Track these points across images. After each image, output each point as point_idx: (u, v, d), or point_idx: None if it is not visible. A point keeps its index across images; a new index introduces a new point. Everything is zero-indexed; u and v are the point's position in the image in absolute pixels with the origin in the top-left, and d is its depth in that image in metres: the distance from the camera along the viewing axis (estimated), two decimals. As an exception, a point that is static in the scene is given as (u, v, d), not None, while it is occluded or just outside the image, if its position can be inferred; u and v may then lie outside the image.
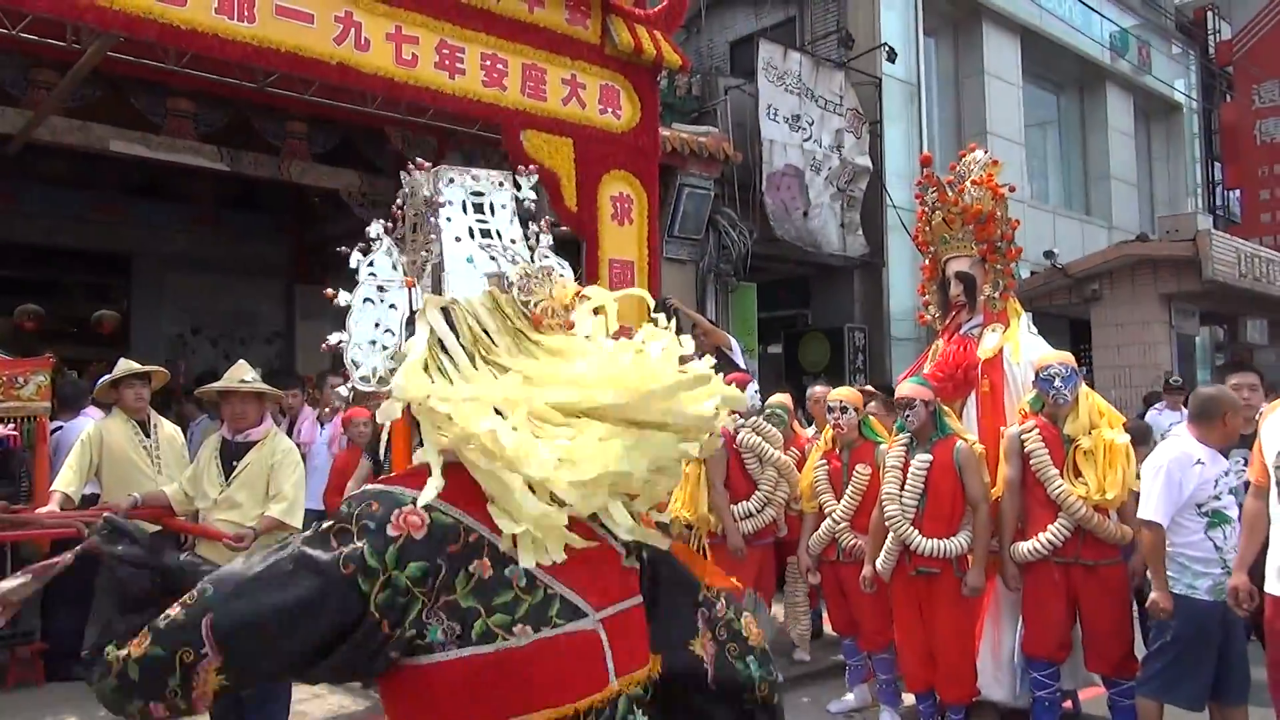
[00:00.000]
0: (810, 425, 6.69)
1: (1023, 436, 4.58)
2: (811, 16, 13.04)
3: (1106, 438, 4.45)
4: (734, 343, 7.53)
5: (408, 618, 1.38)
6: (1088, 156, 17.01)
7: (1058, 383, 4.49)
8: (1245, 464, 4.09)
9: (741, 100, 11.17)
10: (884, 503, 4.66)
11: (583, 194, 7.81)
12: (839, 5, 12.78)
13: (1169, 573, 3.97)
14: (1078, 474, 4.45)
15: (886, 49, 12.34)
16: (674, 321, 1.86)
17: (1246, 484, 3.86)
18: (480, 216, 1.78)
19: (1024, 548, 4.51)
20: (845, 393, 5.28)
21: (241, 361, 4.64)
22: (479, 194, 1.81)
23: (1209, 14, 19.08)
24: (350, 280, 1.92)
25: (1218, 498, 3.93)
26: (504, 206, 1.81)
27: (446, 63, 7.02)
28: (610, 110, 8.09)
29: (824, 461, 5.27)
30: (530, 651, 1.40)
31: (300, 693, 5.09)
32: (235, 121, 7.81)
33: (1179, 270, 12.89)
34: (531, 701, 1.41)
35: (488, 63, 7.27)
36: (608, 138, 8.06)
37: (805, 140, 11.18)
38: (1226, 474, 3.97)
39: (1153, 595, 3.99)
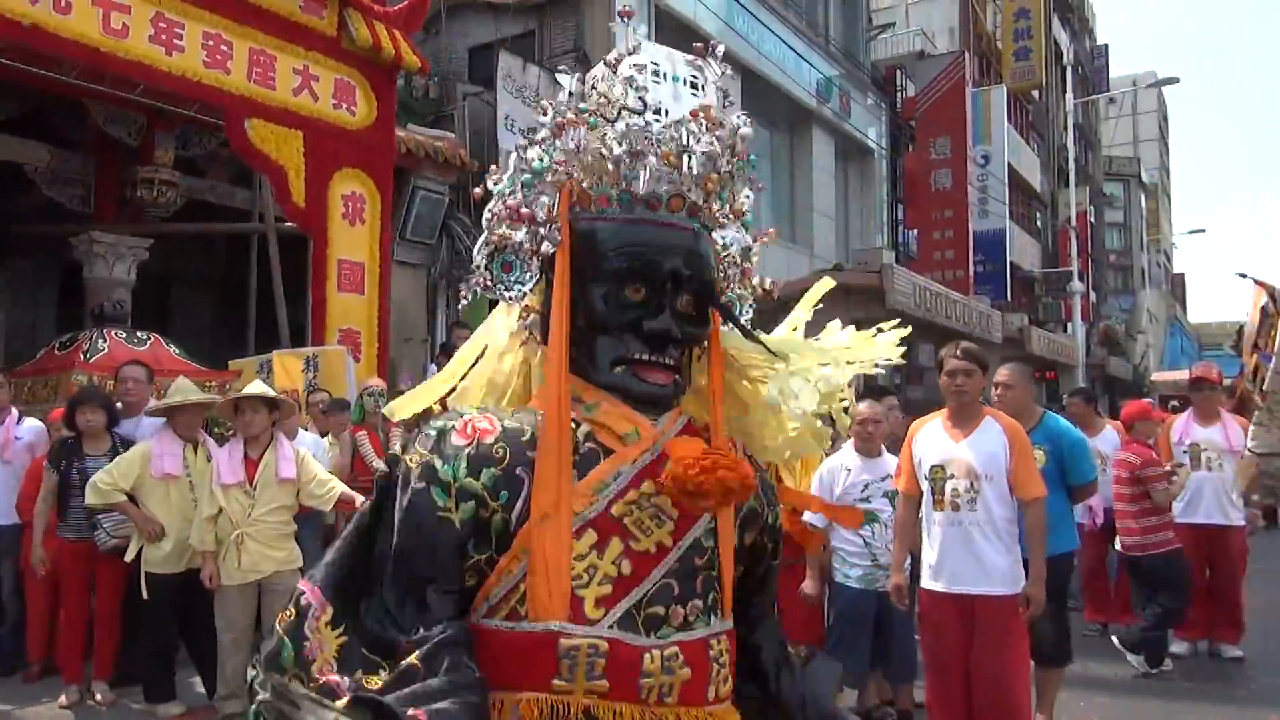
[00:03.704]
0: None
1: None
2: (551, 33, 13.30)
3: (804, 448, 4.95)
4: None
5: None
6: (795, 190, 18.59)
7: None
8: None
9: (480, 108, 11.20)
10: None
11: (312, 190, 7.52)
12: (577, 25, 13.14)
13: (834, 563, 4.58)
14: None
15: (621, 73, 12.85)
16: None
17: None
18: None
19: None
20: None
21: None
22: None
23: (898, 72, 21.52)
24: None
25: (867, 500, 4.51)
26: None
27: (163, 37, 6.53)
28: (345, 106, 7.85)
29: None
30: None
31: None
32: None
33: (867, 298, 14.45)
34: None
35: (210, 43, 6.83)
36: (341, 134, 7.81)
37: (541, 154, 11.40)
38: (884, 479, 4.54)
39: (804, 584, 4.57)
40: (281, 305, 8.07)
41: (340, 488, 4.91)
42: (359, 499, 4.92)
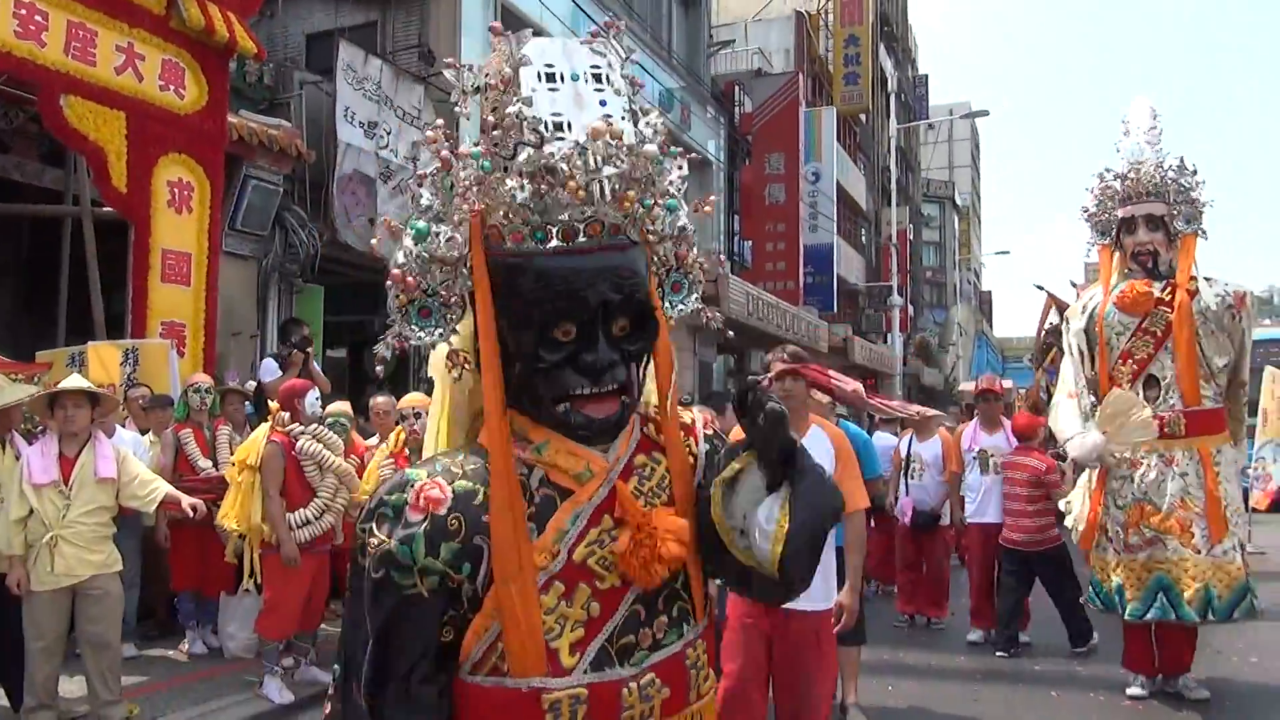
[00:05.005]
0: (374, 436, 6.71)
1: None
2: (393, 26, 13.04)
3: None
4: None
5: None
6: (638, 198, 18.92)
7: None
8: None
9: (317, 97, 10.85)
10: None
11: (135, 175, 7.13)
12: (421, 20, 12.93)
13: None
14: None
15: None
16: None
17: None
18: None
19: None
20: (417, 398, 5.48)
21: None
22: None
23: (736, 88, 22.26)
24: None
25: None
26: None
27: (-32, 3, 6.05)
28: (173, 88, 7.48)
29: (391, 461, 5.41)
30: None
31: None
32: None
33: (704, 306, 14.90)
34: None
35: (23, 12, 6.38)
36: (168, 117, 7.44)
37: (381, 148, 11.15)
38: None
39: None
40: (97, 294, 7.58)
41: (165, 488, 4.70)
42: (185, 500, 4.74)
